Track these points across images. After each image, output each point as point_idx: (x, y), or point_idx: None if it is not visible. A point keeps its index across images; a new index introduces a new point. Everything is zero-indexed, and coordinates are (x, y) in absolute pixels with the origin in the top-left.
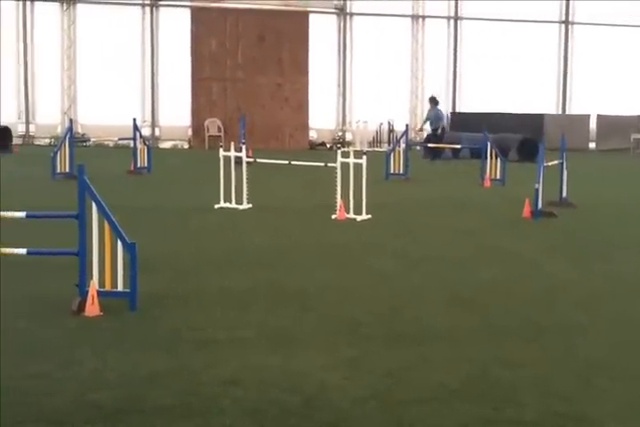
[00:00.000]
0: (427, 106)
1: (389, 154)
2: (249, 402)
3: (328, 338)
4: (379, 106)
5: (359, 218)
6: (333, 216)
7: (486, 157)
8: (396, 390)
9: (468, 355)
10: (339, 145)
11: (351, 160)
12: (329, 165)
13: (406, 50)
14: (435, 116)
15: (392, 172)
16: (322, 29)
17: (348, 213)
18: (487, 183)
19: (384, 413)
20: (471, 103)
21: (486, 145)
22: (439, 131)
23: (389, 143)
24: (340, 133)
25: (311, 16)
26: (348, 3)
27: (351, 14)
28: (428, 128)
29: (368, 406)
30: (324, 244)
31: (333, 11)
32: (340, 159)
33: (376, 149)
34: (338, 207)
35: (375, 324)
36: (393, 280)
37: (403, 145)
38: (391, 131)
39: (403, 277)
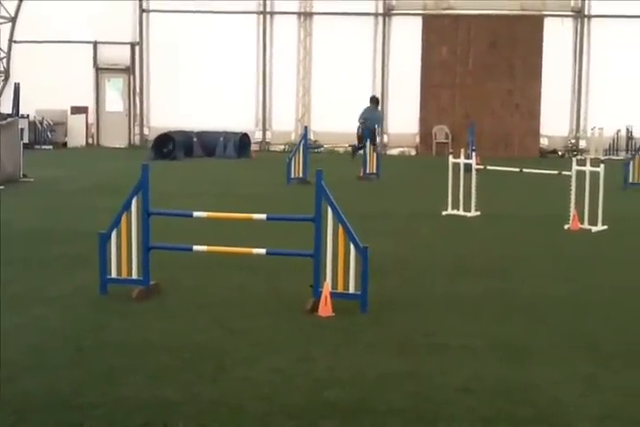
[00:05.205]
0: None
1: (628, 162)
2: (480, 411)
3: (563, 353)
4: (616, 112)
5: (594, 229)
6: (566, 226)
7: None
8: (636, 410)
9: None
10: (573, 152)
11: (587, 168)
12: (563, 173)
13: None
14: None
15: (631, 181)
16: (556, 33)
17: (582, 223)
18: None
19: None
20: None
21: None
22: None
23: (627, 151)
24: (573, 140)
25: (546, 20)
26: (587, 4)
27: (589, 16)
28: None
29: (605, 426)
30: (557, 254)
31: (570, 14)
32: (575, 167)
33: (612, 157)
34: (571, 217)
35: (614, 341)
36: (631, 295)
37: None
38: (630, 138)
39: None
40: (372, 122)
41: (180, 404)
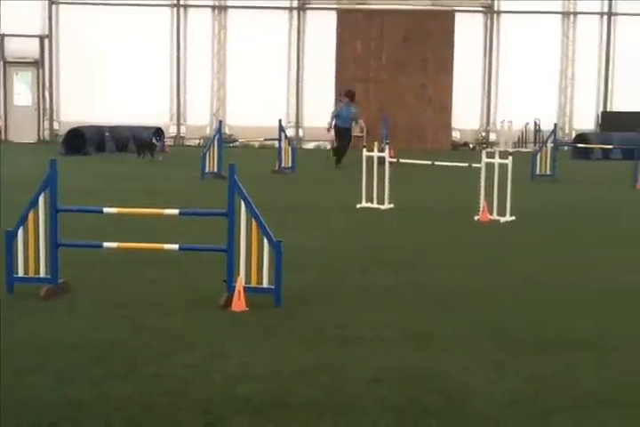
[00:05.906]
0: (578, 104)
1: (536, 154)
2: (391, 401)
3: (472, 341)
4: (524, 105)
5: (503, 219)
6: (476, 217)
7: None
8: (541, 396)
9: (617, 363)
10: (483, 145)
11: (496, 161)
12: (473, 165)
13: (555, 48)
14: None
15: (538, 173)
16: (467, 28)
17: (491, 214)
18: None
19: (528, 419)
20: (624, 102)
21: None
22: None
23: (535, 143)
24: (483, 134)
25: (457, 15)
26: (496, 1)
27: (499, 12)
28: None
29: (512, 411)
30: (467, 245)
31: (480, 9)
32: (484, 159)
33: (521, 149)
34: (481, 208)
35: (520, 328)
36: (538, 284)
37: (550, 145)
38: (537, 131)
39: (549, 282)
40: (343, 119)
41: (90, 403)
